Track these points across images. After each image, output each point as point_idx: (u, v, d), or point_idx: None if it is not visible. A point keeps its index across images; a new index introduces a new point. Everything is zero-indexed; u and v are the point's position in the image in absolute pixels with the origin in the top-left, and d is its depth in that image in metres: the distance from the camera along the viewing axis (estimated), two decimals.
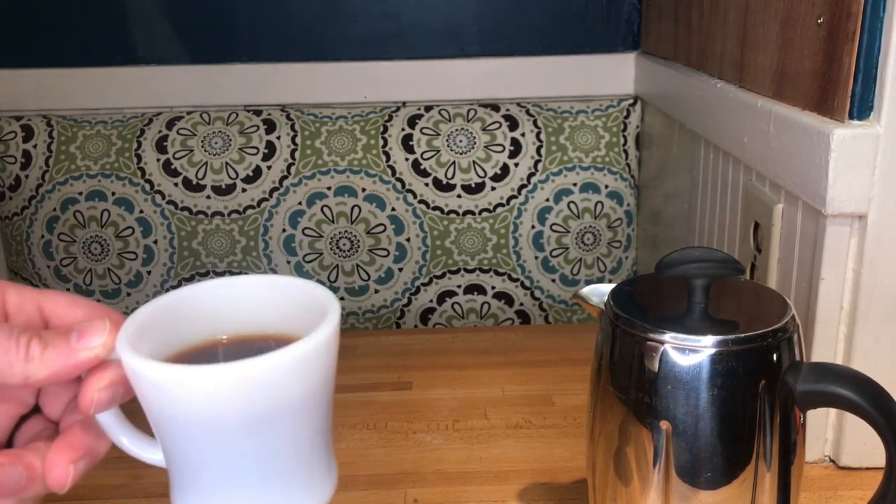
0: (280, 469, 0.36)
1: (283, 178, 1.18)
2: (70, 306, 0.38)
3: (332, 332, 0.35)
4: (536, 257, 1.21)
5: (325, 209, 1.19)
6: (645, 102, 1.19)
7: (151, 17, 1.23)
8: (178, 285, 1.21)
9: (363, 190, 1.19)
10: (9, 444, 0.38)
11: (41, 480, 0.35)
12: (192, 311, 0.39)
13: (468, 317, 1.23)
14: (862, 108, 0.58)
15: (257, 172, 1.18)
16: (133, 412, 0.37)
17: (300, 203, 1.19)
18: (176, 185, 1.18)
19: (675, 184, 1.02)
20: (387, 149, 1.19)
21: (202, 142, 1.19)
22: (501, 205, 1.19)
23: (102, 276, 1.21)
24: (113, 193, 1.19)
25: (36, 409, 0.39)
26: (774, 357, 0.45)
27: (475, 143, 1.19)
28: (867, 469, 0.64)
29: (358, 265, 1.21)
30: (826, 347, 0.63)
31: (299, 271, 1.20)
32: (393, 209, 1.19)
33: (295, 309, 0.38)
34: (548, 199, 1.19)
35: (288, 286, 0.40)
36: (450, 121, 1.20)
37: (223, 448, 0.34)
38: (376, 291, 1.22)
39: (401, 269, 1.21)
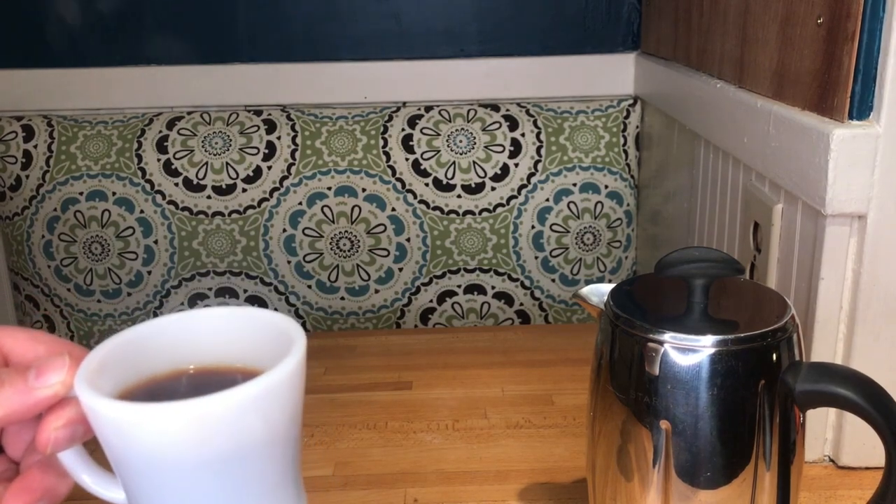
0: None
1: (284, 178, 1.19)
2: (31, 342, 0.37)
3: (296, 366, 0.33)
4: (536, 257, 1.21)
5: (326, 209, 1.19)
6: (645, 102, 1.19)
7: (152, 17, 1.23)
8: (179, 285, 1.21)
9: (363, 190, 1.19)
10: None
11: None
12: (155, 343, 0.38)
13: (468, 317, 1.23)
14: (862, 108, 0.58)
15: (257, 172, 1.18)
16: (98, 450, 0.36)
17: (300, 203, 1.19)
18: (176, 185, 1.18)
19: (675, 184, 1.02)
20: (387, 149, 1.19)
21: (202, 142, 1.19)
22: (501, 205, 1.19)
23: (103, 276, 1.21)
24: (113, 193, 1.19)
25: None
26: (774, 357, 0.45)
27: (475, 143, 1.19)
28: (867, 469, 0.64)
29: (358, 265, 1.21)
30: (826, 347, 0.63)
31: (299, 271, 1.20)
32: (393, 209, 1.19)
33: (262, 341, 0.37)
34: (548, 199, 1.19)
35: (254, 318, 0.38)
36: (450, 121, 1.20)
37: (184, 489, 0.33)
38: (376, 291, 1.22)
39: (401, 269, 1.21)
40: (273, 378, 0.32)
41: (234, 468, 0.33)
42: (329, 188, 1.19)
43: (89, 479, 0.36)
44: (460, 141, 1.19)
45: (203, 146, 1.19)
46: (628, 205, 1.22)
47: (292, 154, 1.19)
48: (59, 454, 0.35)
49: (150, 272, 1.21)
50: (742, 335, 0.44)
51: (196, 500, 0.33)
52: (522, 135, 1.19)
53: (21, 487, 0.35)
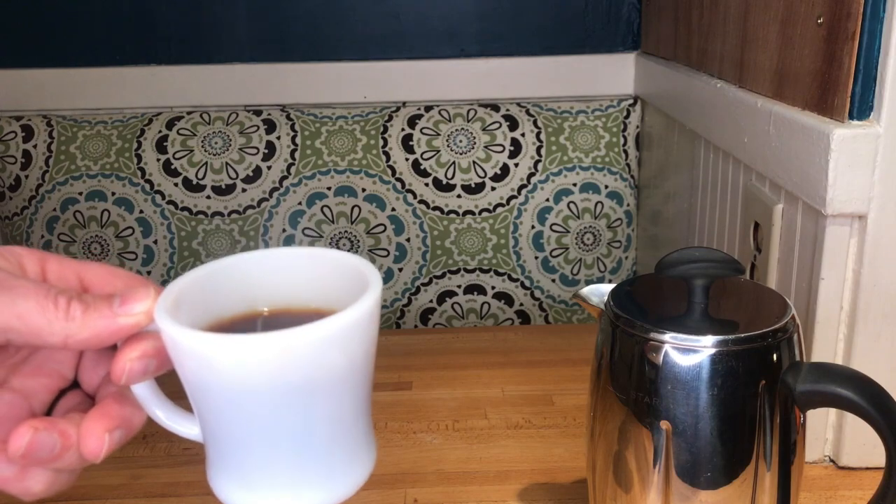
0: (319, 444, 0.35)
1: (283, 178, 1.18)
2: (110, 276, 0.37)
3: (374, 303, 0.34)
4: (536, 257, 1.21)
5: (325, 209, 1.19)
6: (645, 102, 1.19)
7: (151, 16, 1.23)
8: None
9: (363, 190, 1.19)
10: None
11: (76, 449, 0.34)
12: (230, 282, 0.38)
13: (468, 317, 1.23)
14: (862, 108, 0.58)
15: (257, 172, 1.18)
16: (172, 393, 0.37)
17: (300, 203, 1.19)
18: (176, 185, 1.18)
19: (675, 184, 1.02)
20: (387, 149, 1.19)
21: (202, 142, 1.19)
22: (501, 205, 1.19)
23: None
24: (113, 193, 1.19)
25: (74, 385, 0.39)
26: (774, 357, 0.45)
27: (475, 143, 1.19)
28: (867, 469, 0.64)
29: None
30: (826, 347, 0.63)
31: None
32: (393, 209, 1.19)
33: (336, 282, 0.37)
34: (548, 200, 1.19)
35: (329, 258, 0.38)
36: (450, 121, 1.20)
37: (262, 421, 0.34)
38: None
39: (401, 270, 1.21)
40: (354, 314, 0.33)
41: (311, 401, 0.34)
42: (329, 188, 1.18)
43: (162, 413, 0.36)
44: (460, 141, 1.19)
45: (203, 146, 1.19)
46: (628, 205, 1.22)
47: (292, 154, 1.19)
48: (133, 388, 0.36)
49: (149, 272, 1.21)
50: (742, 335, 0.44)
51: (275, 432, 0.34)
52: (522, 135, 1.19)
53: (100, 414, 0.35)
